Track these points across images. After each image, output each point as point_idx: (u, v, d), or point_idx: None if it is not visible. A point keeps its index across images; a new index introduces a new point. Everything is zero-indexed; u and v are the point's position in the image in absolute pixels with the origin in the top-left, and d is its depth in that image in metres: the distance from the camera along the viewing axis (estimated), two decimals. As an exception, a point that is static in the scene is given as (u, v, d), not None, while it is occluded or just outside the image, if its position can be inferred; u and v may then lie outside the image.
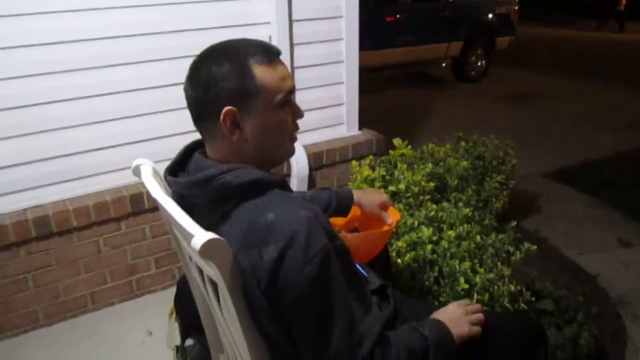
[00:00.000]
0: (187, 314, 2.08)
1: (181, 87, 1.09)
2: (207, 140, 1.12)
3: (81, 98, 2.34)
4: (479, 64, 8.04)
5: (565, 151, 4.85)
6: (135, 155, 1.32)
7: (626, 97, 7.00)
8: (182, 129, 2.42)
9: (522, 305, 2.01)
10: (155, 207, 2.30)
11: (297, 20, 2.76)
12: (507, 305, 1.94)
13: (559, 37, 13.40)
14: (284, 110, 1.11)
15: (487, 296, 1.92)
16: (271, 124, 1.09)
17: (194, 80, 1.06)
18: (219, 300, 1.07)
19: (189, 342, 2.15)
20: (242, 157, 1.09)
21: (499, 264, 2.04)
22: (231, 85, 1.03)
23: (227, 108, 1.04)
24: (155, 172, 1.26)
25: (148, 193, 1.17)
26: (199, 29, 2.51)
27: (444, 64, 7.85)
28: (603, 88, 7.53)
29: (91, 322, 2.51)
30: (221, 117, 1.04)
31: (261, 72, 1.05)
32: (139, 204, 2.48)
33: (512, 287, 1.98)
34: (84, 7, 2.25)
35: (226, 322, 1.11)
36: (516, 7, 8.22)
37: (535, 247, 2.16)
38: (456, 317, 1.27)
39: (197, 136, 1.16)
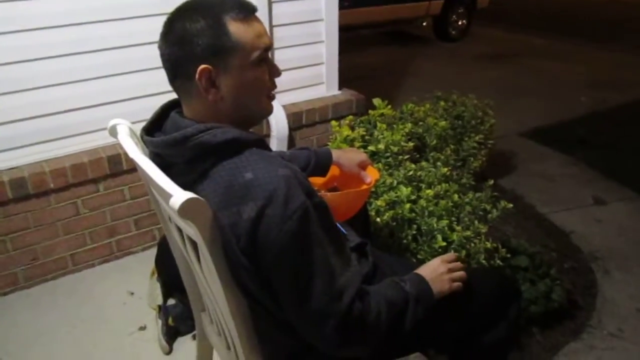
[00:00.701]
0: (169, 273, 2.09)
1: (155, 45, 1.07)
2: (184, 99, 1.11)
3: (57, 57, 2.28)
4: (459, 23, 7.97)
5: (542, 110, 4.89)
6: (112, 115, 1.31)
7: (604, 56, 7.03)
8: (159, 89, 2.38)
9: (498, 261, 2.06)
10: (134, 168, 2.28)
11: (275, -23, 2.71)
12: (484, 261, 1.99)
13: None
14: (261, 67, 1.10)
15: (464, 253, 1.96)
16: (247, 82, 1.09)
17: (169, 37, 1.05)
18: (199, 259, 1.08)
19: (171, 301, 2.18)
20: (219, 116, 1.08)
21: (476, 221, 2.08)
22: (206, 41, 1.02)
23: (202, 66, 1.03)
24: (132, 132, 1.25)
25: (126, 154, 1.16)
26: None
27: (424, 23, 7.77)
28: (582, 47, 7.55)
29: (72, 283, 2.52)
30: (196, 75, 1.03)
31: (236, 29, 1.04)
32: (117, 165, 2.46)
33: (489, 244, 2.03)
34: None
35: (207, 280, 1.13)
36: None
37: (511, 205, 2.20)
38: (438, 274, 1.29)
39: (174, 96, 1.14)
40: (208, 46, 1.02)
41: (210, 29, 1.02)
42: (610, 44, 7.63)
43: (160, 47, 1.07)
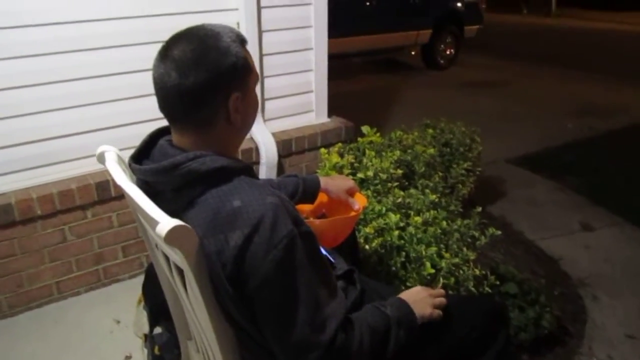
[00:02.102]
0: (155, 301, 2.07)
1: (147, 73, 1.07)
2: (188, 128, 1.08)
3: (45, 84, 2.29)
4: (447, 51, 8.12)
5: (529, 137, 4.95)
6: (100, 142, 1.31)
7: (587, 84, 7.17)
8: (147, 116, 2.40)
9: (487, 288, 2.06)
10: (122, 195, 2.28)
11: (265, 7, 2.74)
12: (472, 289, 1.99)
13: (526, 25, 13.60)
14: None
15: (452, 280, 1.96)
16: (254, 103, 1.14)
17: (187, 67, 1.01)
18: (185, 287, 1.07)
19: (157, 329, 2.15)
20: (217, 143, 1.09)
21: (465, 248, 2.08)
22: (233, 67, 1.04)
23: (236, 94, 1.06)
24: (120, 159, 1.25)
25: (114, 181, 1.16)
26: (167, 14, 2.48)
27: (413, 52, 7.90)
28: (567, 74, 7.69)
29: (57, 311, 2.48)
30: (230, 102, 1.05)
31: (246, 54, 1.08)
32: (105, 192, 2.45)
33: (477, 271, 2.03)
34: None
35: (193, 308, 1.12)
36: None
37: (499, 232, 2.21)
38: (420, 298, 1.29)
39: (162, 123, 1.15)
40: (235, 71, 1.05)
41: (232, 55, 1.04)
42: (594, 72, 7.79)
43: (167, 77, 1.03)
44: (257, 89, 1.16)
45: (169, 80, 1.02)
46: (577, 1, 17.21)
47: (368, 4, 6.95)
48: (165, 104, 1.07)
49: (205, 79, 1.02)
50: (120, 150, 1.27)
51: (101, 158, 1.25)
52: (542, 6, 16.52)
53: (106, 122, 2.48)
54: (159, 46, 1.07)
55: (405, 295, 1.30)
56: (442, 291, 1.37)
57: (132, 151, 1.15)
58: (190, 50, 1.02)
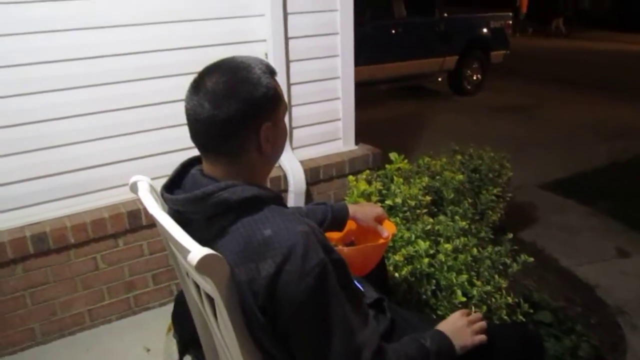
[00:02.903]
0: (185, 329, 2.07)
1: (179, 104, 1.10)
2: (219, 158, 1.10)
3: (79, 115, 2.36)
4: (474, 77, 8.10)
5: (561, 162, 4.88)
6: (133, 172, 1.33)
7: (618, 107, 7.05)
8: (179, 146, 2.45)
9: (520, 317, 2.01)
10: (153, 224, 2.30)
11: (292, 38, 2.79)
12: (505, 317, 1.95)
13: (552, 49, 13.52)
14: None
15: (484, 308, 1.92)
16: (284, 132, 1.16)
17: (219, 98, 1.03)
18: (216, 316, 1.07)
19: (187, 358, 2.15)
20: (248, 172, 1.10)
21: (496, 276, 2.05)
22: (263, 98, 1.06)
23: (267, 123, 1.07)
24: (152, 189, 1.27)
25: (145, 209, 1.18)
26: (197, 46, 2.54)
27: (439, 78, 7.90)
28: (596, 98, 7.59)
29: (89, 339, 2.50)
30: (262, 132, 1.07)
31: (275, 84, 1.10)
32: (136, 221, 2.48)
33: (510, 299, 1.99)
34: (84, 26, 2.28)
35: (223, 337, 1.12)
36: (510, 22, 8.30)
37: (532, 258, 2.17)
38: (458, 327, 1.27)
39: (193, 153, 1.17)
40: (266, 102, 1.06)
41: (263, 86, 1.06)
42: (621, 93, 7.67)
43: (199, 109, 1.04)
44: (285, 117, 1.17)
45: (202, 112, 1.04)
46: (594, 22, 17.19)
47: (394, 31, 7.01)
48: (198, 135, 1.08)
49: (237, 110, 1.03)
50: (152, 179, 1.29)
51: (134, 187, 1.28)
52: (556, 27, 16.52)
53: (138, 152, 2.53)
54: (189, 78, 1.10)
55: (444, 326, 1.28)
56: (480, 315, 1.35)
57: (163, 180, 1.17)
58: (222, 82, 1.04)
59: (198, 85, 1.06)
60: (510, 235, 2.31)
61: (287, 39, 2.76)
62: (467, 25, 8.02)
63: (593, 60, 11.35)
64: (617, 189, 4.22)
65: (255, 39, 2.70)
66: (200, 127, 1.06)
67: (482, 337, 1.28)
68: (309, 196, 2.98)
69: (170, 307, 2.33)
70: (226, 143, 1.07)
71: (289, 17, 2.75)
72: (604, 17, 17.78)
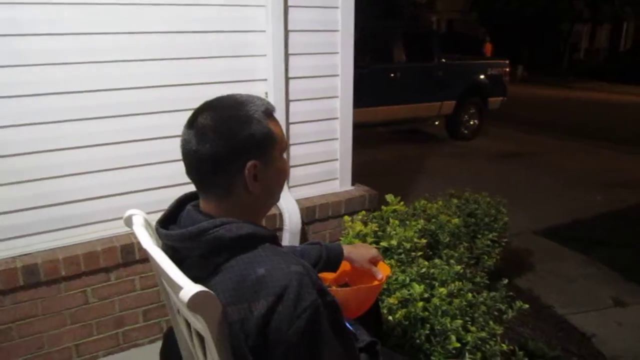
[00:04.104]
0: (174, 368, 2.03)
1: (176, 139, 1.11)
2: (210, 194, 1.11)
3: (75, 148, 2.36)
4: (471, 122, 8.20)
5: (557, 209, 4.89)
6: (128, 206, 1.33)
7: (615, 156, 7.13)
8: (175, 181, 2.45)
9: (515, 365, 1.98)
10: (146, 259, 2.28)
11: (293, 78, 2.83)
12: (500, 365, 1.91)
13: (548, 97, 13.73)
14: (283, 157, 1.16)
15: (479, 355, 1.89)
16: (281, 172, 1.16)
17: (206, 134, 1.05)
18: (205, 355, 1.06)
19: (174, 398, 2.09)
20: (239, 210, 1.10)
21: (491, 322, 2.03)
22: (251, 137, 1.06)
23: (251, 162, 1.07)
24: (147, 223, 1.27)
25: (139, 244, 1.17)
26: (198, 83, 2.57)
27: (437, 122, 8.00)
28: (592, 147, 7.67)
29: (75, 376, 2.45)
30: (245, 170, 1.07)
31: (271, 124, 1.10)
32: (129, 255, 2.46)
33: (505, 347, 1.96)
34: (75, 61, 2.29)
35: (212, 377, 1.09)
36: (507, 69, 8.45)
37: (527, 305, 2.15)
38: None
39: (189, 188, 1.17)
40: (253, 141, 1.06)
41: (253, 125, 1.07)
42: (619, 143, 7.75)
43: (190, 144, 1.06)
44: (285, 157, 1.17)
45: (190, 147, 1.06)
46: (589, 73, 17.61)
47: (392, 75, 7.12)
48: (189, 169, 1.10)
49: (220, 147, 1.04)
50: (147, 214, 1.29)
51: (128, 221, 1.27)
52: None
53: (134, 186, 2.53)
54: (188, 114, 1.12)
55: None
56: None
57: (159, 215, 1.17)
58: (211, 119, 1.06)
59: (192, 120, 1.08)
60: (506, 281, 2.30)
61: (287, 79, 2.80)
62: (465, 72, 8.18)
63: (589, 110, 11.54)
64: (614, 238, 4.22)
65: (256, 78, 2.73)
66: (190, 162, 1.08)
67: None
68: (304, 235, 2.97)
69: (159, 345, 2.28)
70: (212, 179, 1.08)
71: (290, 58, 2.80)
72: (598, 69, 18.20)
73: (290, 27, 2.76)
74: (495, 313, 2.11)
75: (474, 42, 16.67)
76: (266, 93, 2.74)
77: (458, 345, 1.89)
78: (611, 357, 2.64)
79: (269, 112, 1.11)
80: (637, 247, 4.05)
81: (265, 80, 2.76)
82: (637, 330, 2.90)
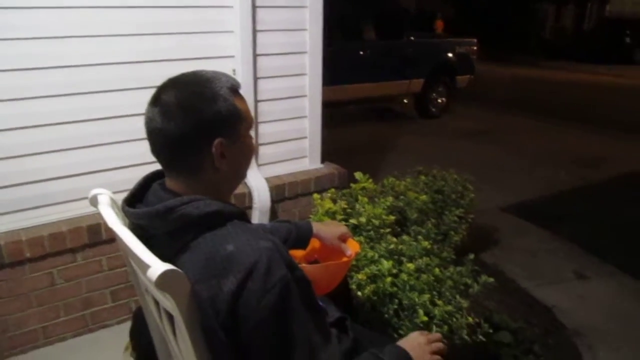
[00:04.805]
0: (143, 347, 2.02)
1: (142, 118, 1.09)
2: (176, 173, 1.10)
3: (38, 126, 2.30)
4: (439, 100, 8.26)
5: (522, 186, 4.99)
6: (93, 185, 1.31)
7: (578, 134, 7.30)
8: (141, 160, 2.41)
9: (480, 337, 2.03)
10: (113, 239, 2.25)
11: (261, 55, 2.80)
12: (466, 337, 1.96)
13: (516, 76, 13.91)
14: (250, 134, 1.15)
15: (446, 328, 1.94)
16: (248, 150, 1.14)
17: (171, 112, 1.03)
18: (175, 333, 1.05)
19: (145, 377, 2.09)
20: (207, 188, 1.09)
21: (458, 296, 2.07)
22: (217, 113, 1.04)
23: (218, 139, 1.05)
24: (113, 202, 1.25)
25: (105, 224, 1.16)
26: (163, 60, 2.52)
27: (405, 100, 8.03)
28: (557, 126, 7.82)
29: (42, 357, 2.41)
30: (212, 148, 1.05)
31: (237, 101, 1.08)
32: (96, 235, 2.43)
33: (471, 319, 2.01)
34: (46, 35, 2.23)
35: (182, 355, 1.09)
36: (475, 47, 8.52)
37: (492, 279, 2.20)
38: (417, 344, 1.28)
39: (155, 167, 1.15)
40: (219, 118, 1.05)
41: (218, 101, 1.05)
42: (583, 123, 7.93)
43: (154, 122, 1.04)
44: (252, 134, 1.17)
45: (155, 125, 1.04)
46: (561, 53, 17.88)
47: (361, 53, 7.10)
48: (154, 148, 1.08)
49: (187, 124, 1.03)
50: (114, 193, 1.27)
51: (94, 201, 1.25)
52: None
53: (99, 165, 2.49)
54: (151, 91, 1.09)
55: (403, 343, 1.29)
56: (439, 335, 1.36)
57: (125, 195, 1.15)
58: (175, 96, 1.04)
59: (155, 97, 1.06)
60: (472, 256, 2.34)
61: (255, 56, 2.77)
62: (433, 50, 8.20)
63: (554, 89, 11.73)
64: (577, 214, 4.34)
65: (223, 55, 2.70)
66: (155, 140, 1.06)
67: (439, 358, 1.29)
68: (273, 214, 2.97)
69: (128, 325, 2.27)
70: (179, 158, 1.07)
71: (258, 35, 2.76)
72: (565, 48, 18.47)
73: (258, 4, 2.72)
74: (462, 287, 2.15)
75: (425, 19, 16.56)
76: (234, 70, 2.71)
77: (426, 319, 1.93)
78: (572, 328, 2.73)
79: (234, 88, 1.09)
80: (598, 223, 4.17)
81: (233, 57, 2.72)
82: (597, 302, 3.00)
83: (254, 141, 1.17)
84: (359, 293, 1.99)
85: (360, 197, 2.64)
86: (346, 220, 2.46)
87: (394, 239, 2.32)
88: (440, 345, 1.31)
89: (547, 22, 22.79)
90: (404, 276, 2.05)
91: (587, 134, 7.32)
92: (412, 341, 1.29)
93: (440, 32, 14.87)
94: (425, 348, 1.28)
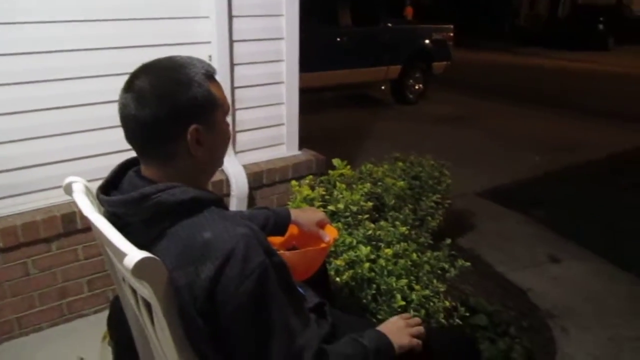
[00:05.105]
0: (121, 336, 2.01)
1: (115, 105, 1.07)
2: (151, 160, 1.08)
3: (11, 113, 2.25)
4: (416, 87, 8.29)
5: (497, 171, 5.05)
6: (67, 174, 1.28)
7: (552, 119, 7.40)
8: (116, 148, 2.37)
9: (457, 320, 2.06)
10: (88, 227, 2.23)
11: (237, 41, 2.77)
12: (443, 320, 1.99)
13: (491, 62, 14.03)
14: (226, 121, 1.14)
15: (423, 312, 1.96)
16: (224, 136, 1.14)
17: (143, 98, 1.02)
18: (153, 322, 1.05)
19: (123, 366, 2.08)
20: (183, 175, 1.08)
21: (435, 280, 2.10)
22: (191, 100, 1.03)
23: (193, 126, 1.04)
24: (88, 190, 1.23)
25: (80, 212, 1.14)
26: (138, 46, 2.48)
27: (383, 87, 8.04)
28: (532, 111, 7.93)
29: (17, 348, 2.38)
30: (188, 135, 1.04)
31: (212, 87, 1.07)
32: (71, 224, 2.39)
33: (447, 303, 2.04)
34: (15, 20, 2.17)
35: (161, 343, 1.09)
36: (451, 34, 8.55)
37: (469, 263, 2.23)
38: (396, 328, 1.30)
39: (130, 154, 1.14)
40: (194, 104, 1.04)
41: (193, 87, 1.04)
42: (557, 108, 8.05)
43: (128, 109, 1.03)
44: (229, 121, 1.16)
45: (129, 111, 1.03)
46: (536, 40, 18.06)
47: (339, 39, 7.08)
48: (128, 135, 1.07)
49: (160, 110, 1.01)
50: (89, 182, 1.25)
51: (68, 189, 1.23)
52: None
53: (74, 153, 2.44)
54: (125, 77, 1.07)
55: (383, 326, 1.30)
56: (419, 319, 1.38)
57: (99, 183, 1.14)
58: (149, 82, 1.03)
59: (129, 83, 1.05)
60: (449, 241, 2.37)
61: (231, 41, 2.74)
62: (410, 36, 8.22)
63: (531, 75, 11.87)
64: (550, 198, 4.41)
65: (199, 41, 2.66)
66: (129, 127, 1.05)
67: (418, 342, 1.30)
68: (251, 201, 2.96)
69: (105, 314, 2.25)
70: (154, 144, 1.06)
71: (234, 20, 2.73)
72: (539, 35, 18.65)
73: (233, -12, 2.69)
74: (439, 272, 2.18)
75: (395, 5, 16.51)
76: (210, 56, 2.68)
77: (403, 303, 1.95)
78: (546, 310, 2.79)
79: (209, 74, 1.08)
80: (573, 207, 4.25)
81: (209, 43, 2.68)
82: (570, 284, 3.07)
83: (230, 128, 1.16)
84: (337, 279, 2.00)
85: (338, 184, 2.64)
86: (324, 206, 2.46)
87: (372, 225, 2.33)
88: (420, 328, 1.33)
89: (522, 9, 22.97)
90: (381, 261, 2.07)
91: (563, 119, 7.44)
92: (392, 325, 1.31)
93: (410, 19, 14.84)
94: (404, 331, 1.29)
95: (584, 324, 2.68)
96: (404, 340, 1.27)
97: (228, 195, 2.85)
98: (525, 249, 3.48)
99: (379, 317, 1.94)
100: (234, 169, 2.83)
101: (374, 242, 2.23)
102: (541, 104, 8.32)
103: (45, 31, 2.26)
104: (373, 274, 2.05)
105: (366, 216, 2.43)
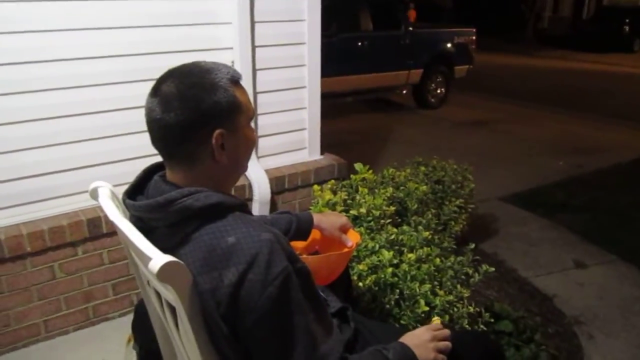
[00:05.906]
0: (145, 340, 2.03)
1: (140, 110, 1.08)
2: (176, 164, 1.09)
3: (38, 120, 2.29)
4: (438, 91, 8.24)
5: (521, 175, 4.99)
6: (93, 178, 1.30)
7: (576, 124, 7.29)
8: (142, 153, 2.40)
9: (481, 326, 2.04)
10: (114, 232, 2.25)
11: (259, 46, 2.79)
12: (467, 326, 1.97)
13: (514, 66, 13.88)
14: (250, 126, 1.14)
15: (446, 318, 1.94)
16: (248, 141, 1.14)
17: (170, 103, 1.03)
18: (177, 325, 1.06)
19: (147, 370, 2.10)
20: (210, 180, 1.09)
21: (458, 285, 2.08)
22: (217, 104, 1.04)
23: (218, 130, 1.05)
24: (114, 195, 1.25)
25: (106, 217, 1.15)
26: (163, 52, 2.51)
27: (404, 91, 8.02)
28: (556, 114, 7.82)
29: (44, 351, 2.42)
30: (213, 139, 1.04)
31: (237, 92, 1.08)
32: (96, 228, 2.43)
33: (471, 309, 2.01)
34: (41, 29, 2.22)
35: (185, 347, 1.10)
36: (474, 37, 8.49)
37: (493, 269, 2.20)
38: (422, 341, 1.25)
39: (156, 159, 1.15)
40: (219, 109, 1.04)
41: (218, 92, 1.04)
42: (582, 111, 7.93)
43: (154, 113, 1.04)
44: (253, 126, 1.16)
45: (154, 115, 1.04)
46: (559, 42, 17.83)
47: (360, 44, 7.08)
48: (154, 139, 1.08)
49: (186, 115, 1.02)
50: (114, 186, 1.26)
51: (94, 194, 1.25)
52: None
53: (100, 159, 2.48)
54: (151, 83, 1.09)
55: (408, 339, 1.26)
56: (447, 332, 1.32)
57: (125, 187, 1.15)
58: (175, 86, 1.04)
59: (156, 88, 1.06)
60: (472, 246, 2.34)
61: (254, 47, 2.76)
62: (432, 40, 8.17)
63: (552, 78, 11.71)
64: (575, 203, 4.34)
65: (221, 47, 2.68)
66: (154, 131, 1.06)
67: (443, 358, 1.26)
68: (273, 205, 2.97)
69: (130, 318, 2.27)
70: (178, 149, 1.06)
71: (256, 26, 2.75)
72: (562, 37, 18.42)
73: (255, -5, 2.71)
74: (462, 277, 2.16)
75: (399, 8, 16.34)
76: (232, 62, 2.70)
77: (427, 308, 1.93)
78: (572, 316, 2.74)
79: (234, 79, 1.09)
80: (595, 211, 4.18)
81: (231, 48, 2.71)
82: (596, 290, 3.01)
83: (254, 133, 1.16)
84: (360, 284, 1.99)
85: (360, 188, 2.64)
86: (346, 211, 2.46)
87: (395, 230, 2.32)
88: (447, 344, 1.28)
89: (545, 12, 22.72)
90: (404, 266, 2.06)
91: (587, 122, 7.33)
92: (417, 338, 1.27)
93: (413, 22, 14.78)
94: (430, 345, 1.25)
95: (611, 331, 2.62)
96: (429, 356, 1.24)
97: (250, 200, 2.86)
98: (550, 254, 3.43)
99: (402, 322, 1.93)
100: (257, 173, 2.84)
101: (396, 247, 2.22)
102: (564, 107, 8.21)
103: (73, 39, 2.30)
104: (396, 278, 2.04)
105: (389, 221, 2.42)
